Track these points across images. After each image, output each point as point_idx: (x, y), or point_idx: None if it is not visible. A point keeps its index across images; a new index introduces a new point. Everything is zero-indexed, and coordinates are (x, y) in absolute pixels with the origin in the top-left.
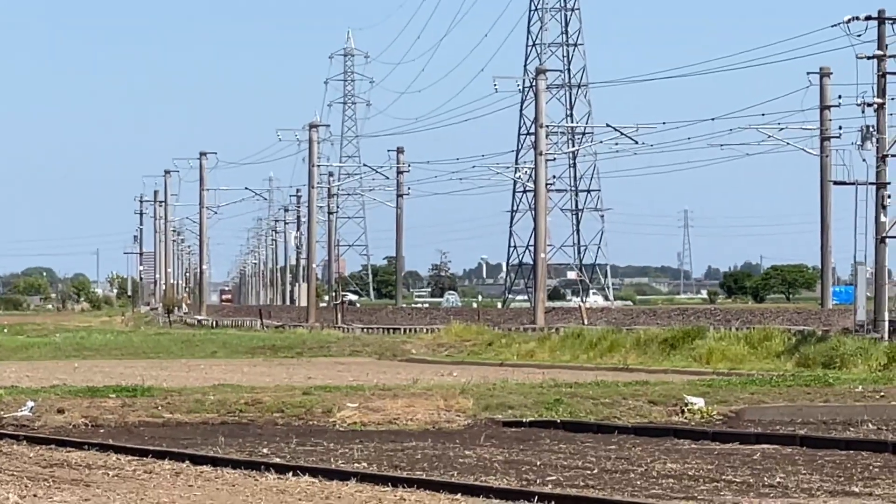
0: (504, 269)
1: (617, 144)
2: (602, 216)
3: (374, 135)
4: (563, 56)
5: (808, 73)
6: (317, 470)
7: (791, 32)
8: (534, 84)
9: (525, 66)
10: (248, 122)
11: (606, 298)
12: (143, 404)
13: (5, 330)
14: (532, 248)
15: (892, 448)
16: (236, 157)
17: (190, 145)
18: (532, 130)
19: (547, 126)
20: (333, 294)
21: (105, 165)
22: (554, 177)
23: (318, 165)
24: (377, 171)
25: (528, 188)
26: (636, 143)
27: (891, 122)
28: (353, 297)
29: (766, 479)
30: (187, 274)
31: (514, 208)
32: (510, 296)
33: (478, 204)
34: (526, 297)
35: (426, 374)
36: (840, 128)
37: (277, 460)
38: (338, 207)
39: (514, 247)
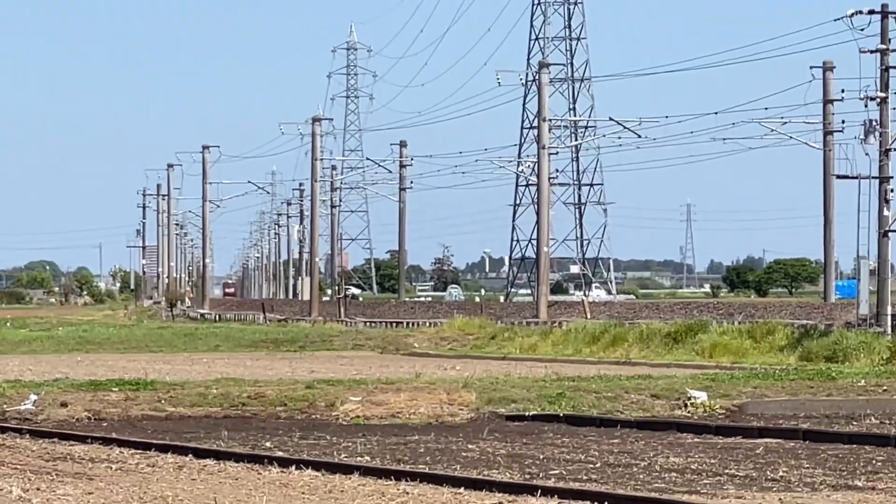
0: (507, 263)
1: (620, 138)
2: (605, 210)
3: (377, 129)
4: (566, 50)
5: (812, 68)
6: (320, 463)
7: (794, 26)
8: (537, 78)
9: (528, 60)
10: (251, 115)
11: (609, 292)
12: (146, 398)
13: (8, 324)
14: (535, 242)
15: (894, 442)
16: (239, 150)
17: (193, 139)
18: (535, 124)
19: (550, 120)
20: (336, 288)
21: (108, 159)
22: (557, 171)
23: (321, 159)
24: (380, 165)
25: (530, 182)
26: (639, 137)
27: (894, 117)
28: (356, 291)
29: (768, 473)
30: (190, 268)
31: (517, 202)
32: (513, 290)
33: (480, 198)
34: (529, 291)
35: (429, 368)
36: (843, 122)
37: (280, 454)
38: (340, 201)
39: (517, 241)
